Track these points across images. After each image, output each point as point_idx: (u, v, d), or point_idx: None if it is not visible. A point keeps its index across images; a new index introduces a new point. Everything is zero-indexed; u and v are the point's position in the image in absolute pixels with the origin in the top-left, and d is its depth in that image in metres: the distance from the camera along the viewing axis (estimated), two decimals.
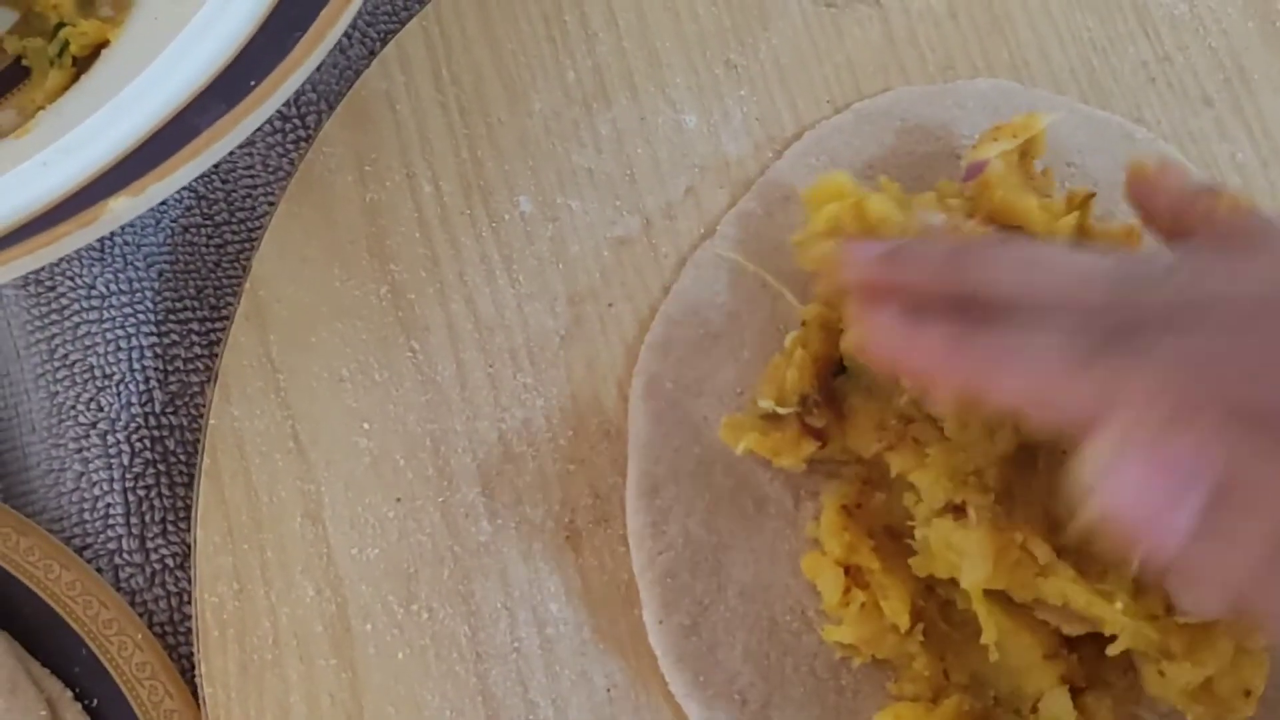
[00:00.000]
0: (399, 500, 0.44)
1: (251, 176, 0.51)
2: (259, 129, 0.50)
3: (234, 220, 0.51)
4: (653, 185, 0.48)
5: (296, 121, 0.51)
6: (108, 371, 0.47)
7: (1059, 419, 0.35)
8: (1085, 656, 0.40)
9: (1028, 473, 0.40)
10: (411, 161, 0.47)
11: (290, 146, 0.51)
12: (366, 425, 0.44)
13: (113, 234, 0.49)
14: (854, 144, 0.49)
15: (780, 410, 0.43)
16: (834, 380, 0.44)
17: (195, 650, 0.42)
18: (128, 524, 0.46)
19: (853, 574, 0.41)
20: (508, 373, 0.45)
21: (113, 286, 0.48)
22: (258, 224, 0.50)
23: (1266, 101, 0.50)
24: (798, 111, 0.49)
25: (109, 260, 0.49)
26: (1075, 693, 0.40)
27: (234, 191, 0.51)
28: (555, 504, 0.44)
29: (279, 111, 0.51)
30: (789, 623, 0.43)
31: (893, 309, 0.37)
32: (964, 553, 0.38)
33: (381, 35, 0.51)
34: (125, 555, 0.46)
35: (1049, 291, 0.35)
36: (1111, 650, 0.38)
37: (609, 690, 0.43)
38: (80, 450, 0.46)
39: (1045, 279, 0.36)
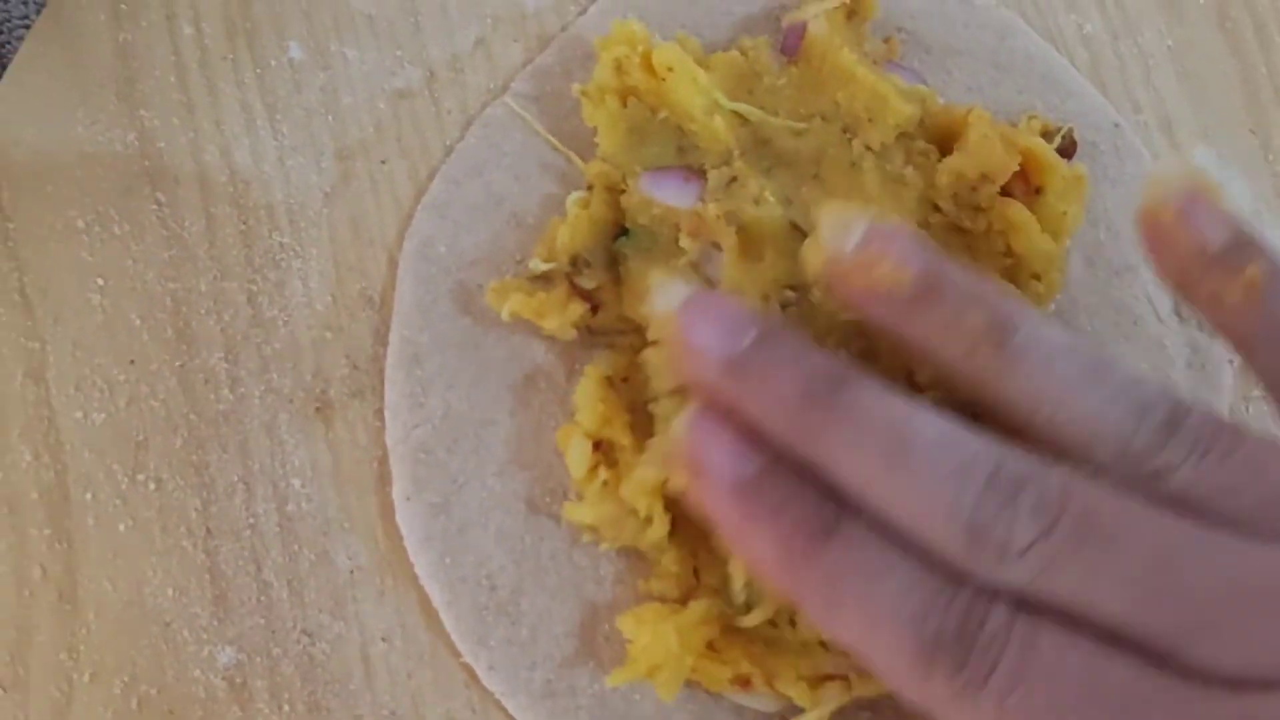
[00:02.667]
0: (132, 363, 0.40)
1: (25, 21, 0.47)
2: None
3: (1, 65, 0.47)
4: (439, 35, 0.44)
5: None
6: None
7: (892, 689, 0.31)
8: None
9: None
10: (172, 1, 0.43)
11: None
12: (101, 281, 0.41)
13: None
14: (664, 2, 0.45)
15: (547, 268, 0.39)
16: (615, 243, 0.40)
17: None
18: None
19: (604, 449, 0.38)
20: (263, 231, 0.42)
21: None
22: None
23: None
24: None
25: None
26: None
27: (6, 40, 0.47)
28: (307, 374, 0.41)
29: None
30: (549, 505, 0.39)
31: (730, 454, 0.32)
32: None
33: None
34: None
35: (906, 507, 0.30)
36: None
37: (352, 572, 0.39)
38: None
39: (905, 486, 0.30)
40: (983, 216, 0.40)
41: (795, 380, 0.32)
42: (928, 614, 0.29)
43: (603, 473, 0.37)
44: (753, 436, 0.32)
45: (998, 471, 0.30)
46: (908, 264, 0.32)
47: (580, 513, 0.38)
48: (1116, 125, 0.44)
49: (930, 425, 0.31)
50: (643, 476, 0.36)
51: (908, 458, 0.30)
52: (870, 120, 0.41)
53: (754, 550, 0.32)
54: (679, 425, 0.32)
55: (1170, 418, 0.31)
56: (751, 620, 0.36)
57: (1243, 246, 0.33)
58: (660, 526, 0.37)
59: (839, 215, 0.33)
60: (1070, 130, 0.42)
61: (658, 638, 0.35)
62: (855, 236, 0.33)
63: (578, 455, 0.37)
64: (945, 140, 0.41)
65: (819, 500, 0.31)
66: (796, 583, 0.31)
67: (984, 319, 0.32)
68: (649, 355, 0.37)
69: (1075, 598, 0.29)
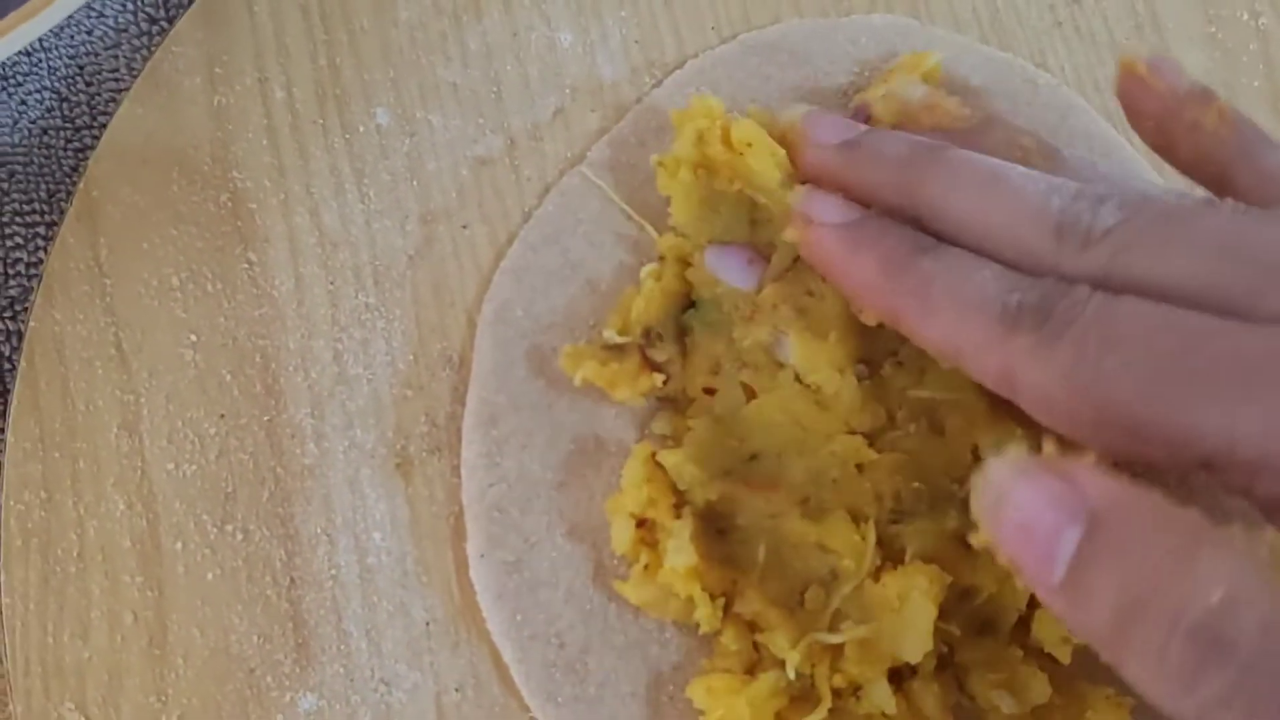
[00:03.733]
0: (222, 417, 0.42)
1: (116, 80, 0.49)
2: (125, 31, 0.48)
3: (95, 125, 0.48)
4: (520, 104, 0.45)
5: (165, 24, 0.49)
6: None
7: (974, 374, 0.34)
8: None
9: None
10: (265, 66, 0.45)
11: (157, 50, 0.48)
12: (194, 337, 0.42)
13: None
14: (737, 76, 0.46)
15: (620, 340, 0.41)
16: (683, 315, 0.42)
17: None
18: None
19: (647, 527, 0.39)
20: (349, 291, 0.43)
21: None
22: None
23: (1179, 51, 0.48)
24: (680, 37, 0.47)
25: None
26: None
27: (97, 95, 0.49)
28: (388, 430, 0.42)
29: (146, 13, 0.49)
30: (615, 568, 0.41)
31: (838, 206, 0.37)
32: None
33: None
34: None
35: (999, 221, 0.35)
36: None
37: (428, 624, 0.41)
38: None
39: (999, 204, 0.35)
40: None
41: (902, 146, 0.38)
42: (1013, 290, 0.33)
43: (644, 556, 0.39)
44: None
45: (1082, 191, 0.34)
46: (966, 105, 0.40)
47: (629, 591, 0.39)
48: None
49: (1017, 167, 0.36)
50: (675, 563, 0.38)
51: (1002, 185, 0.35)
52: None
53: (856, 273, 0.36)
54: (794, 196, 0.39)
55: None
56: (815, 717, 0.37)
57: (1207, 89, 0.37)
58: (705, 606, 0.38)
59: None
60: None
61: (731, 711, 0.37)
62: (921, 91, 0.41)
63: (621, 533, 0.39)
64: None
65: (917, 232, 0.36)
66: (894, 293, 0.35)
67: (1034, 141, 0.38)
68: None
69: (1151, 272, 0.32)
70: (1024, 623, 0.40)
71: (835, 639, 0.37)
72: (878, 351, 0.40)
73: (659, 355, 0.41)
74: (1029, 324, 0.32)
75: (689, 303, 0.42)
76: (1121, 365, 0.30)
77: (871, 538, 0.38)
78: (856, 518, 0.39)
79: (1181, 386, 0.30)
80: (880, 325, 0.39)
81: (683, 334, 0.42)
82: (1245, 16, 0.48)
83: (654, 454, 0.39)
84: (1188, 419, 0.30)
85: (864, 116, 0.44)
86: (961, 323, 0.34)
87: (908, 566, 0.38)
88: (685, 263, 0.42)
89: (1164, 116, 0.37)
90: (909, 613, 0.37)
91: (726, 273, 0.41)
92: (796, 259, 0.41)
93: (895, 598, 0.37)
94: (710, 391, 0.40)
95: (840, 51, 0.47)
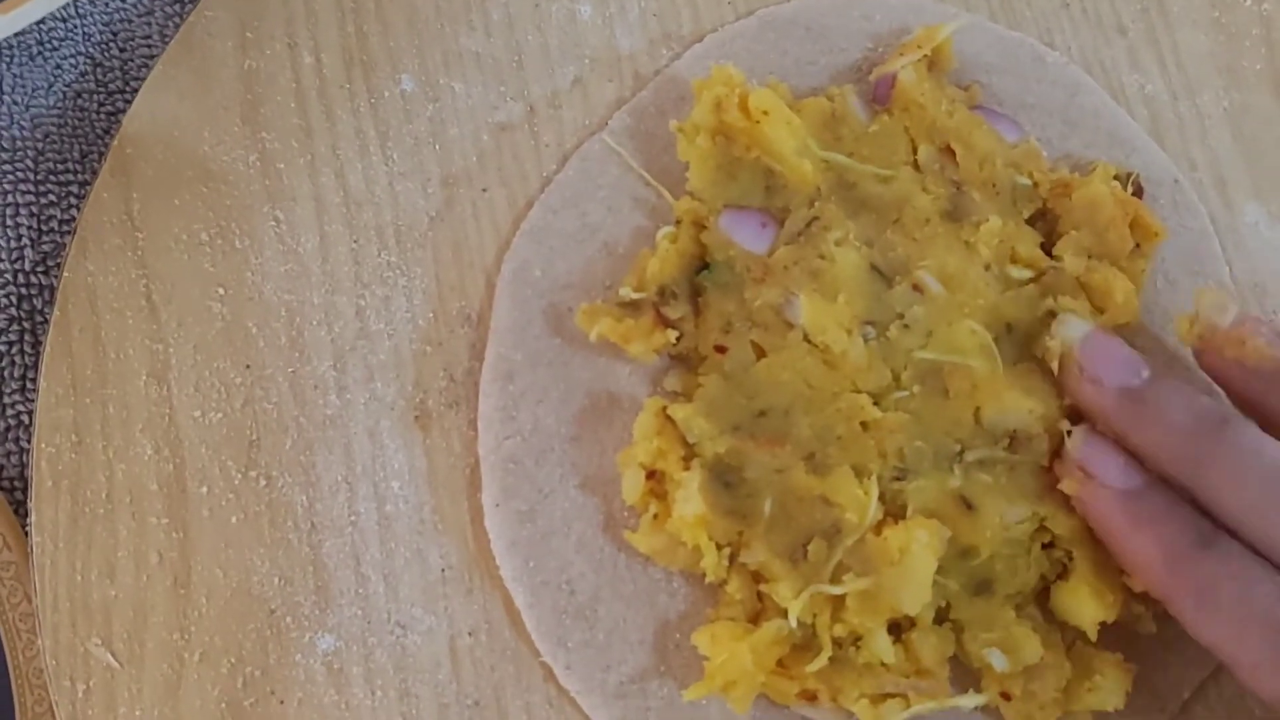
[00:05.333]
0: (248, 367, 0.43)
1: (149, 46, 0.50)
2: None
3: (128, 89, 0.50)
4: (540, 73, 0.47)
5: None
6: None
7: (1249, 688, 0.34)
8: None
9: None
10: (295, 31, 0.46)
11: (189, 16, 0.50)
12: (222, 290, 0.44)
13: (2, 93, 0.49)
14: (755, 49, 0.48)
15: (635, 296, 0.42)
16: (697, 276, 0.43)
17: (28, 501, 0.42)
18: None
19: (657, 478, 0.40)
20: (372, 249, 0.45)
21: None
22: None
23: (1184, 34, 0.49)
24: (697, 10, 0.48)
25: None
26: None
27: (130, 60, 0.50)
28: (408, 384, 0.44)
29: None
30: (626, 519, 0.42)
31: (1120, 469, 0.37)
32: None
33: None
34: None
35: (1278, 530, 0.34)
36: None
37: (443, 570, 0.42)
38: None
39: None
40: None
41: (1186, 411, 0.36)
42: None
43: (653, 506, 0.40)
44: (1137, 461, 0.37)
45: None
46: (1276, 346, 0.37)
47: (638, 540, 0.40)
48: (1176, 181, 0.47)
49: None
50: (683, 512, 0.39)
51: None
52: (980, 166, 0.43)
53: (1136, 551, 0.36)
54: (1072, 440, 0.38)
55: None
56: (815, 665, 0.38)
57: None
58: (711, 555, 0.39)
59: (1215, 295, 0.39)
60: (1138, 176, 0.45)
61: (733, 657, 0.38)
62: (1230, 315, 0.38)
63: (631, 483, 0.40)
64: (1051, 195, 0.44)
65: (1197, 516, 0.36)
66: (1174, 583, 0.35)
67: (1190, 417, 0.36)
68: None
69: None
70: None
71: (837, 590, 0.38)
72: (885, 313, 0.41)
73: (673, 313, 0.42)
74: None
75: (703, 264, 0.43)
76: None
77: (874, 492, 0.39)
78: (860, 474, 0.40)
79: None
80: (888, 287, 0.40)
81: (696, 294, 0.43)
82: (1249, 2, 0.50)
83: (665, 408, 0.40)
84: None
85: (888, 86, 0.45)
86: (1241, 635, 0.34)
87: (909, 521, 0.39)
88: (701, 226, 0.43)
89: (1248, 388, 0.38)
90: (909, 565, 0.38)
91: (740, 236, 0.43)
92: (809, 224, 0.42)
93: (896, 550, 0.38)
94: (721, 350, 0.41)
95: (855, 27, 0.48)
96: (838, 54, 0.48)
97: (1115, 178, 0.45)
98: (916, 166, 0.44)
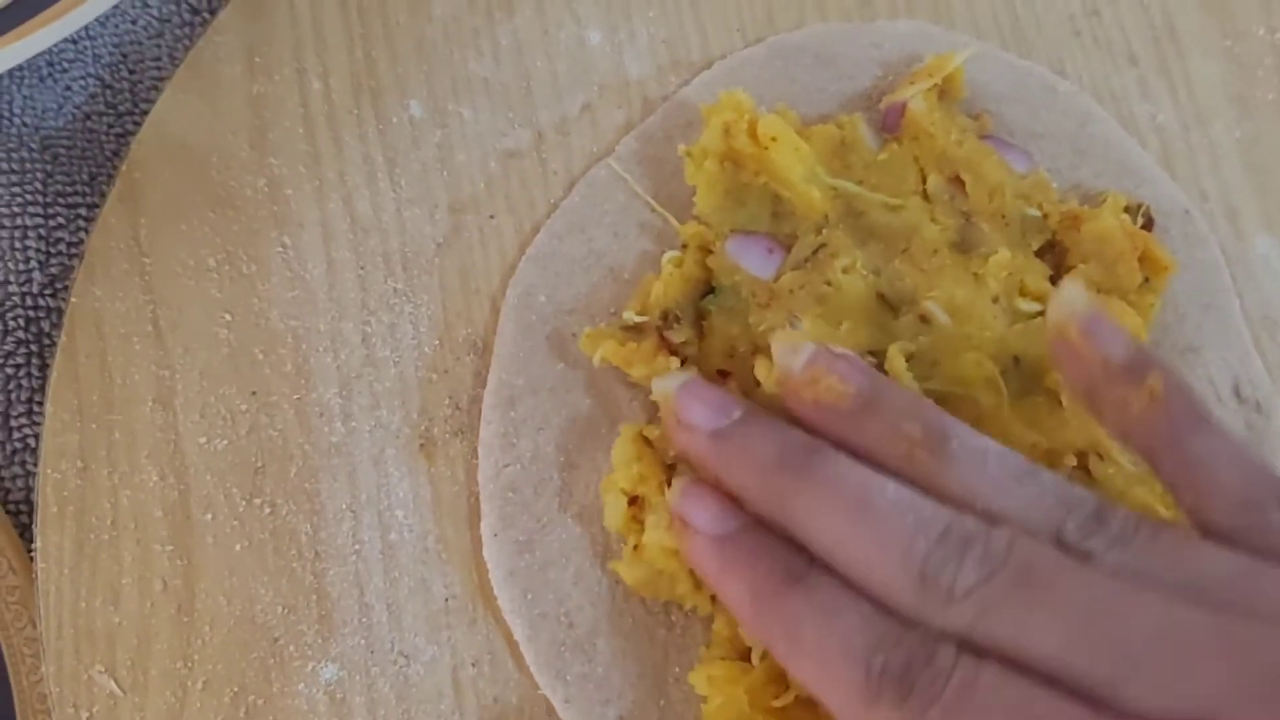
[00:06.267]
0: (254, 394, 0.43)
1: (159, 68, 0.50)
2: (168, 21, 0.50)
3: (137, 111, 0.50)
4: (548, 99, 0.47)
5: (206, 15, 0.51)
6: None
7: None
8: None
9: None
10: (303, 57, 0.46)
11: (199, 40, 0.50)
12: (228, 316, 0.44)
13: (11, 114, 0.49)
14: (765, 76, 0.48)
15: (638, 319, 0.42)
16: (702, 300, 0.43)
17: (34, 526, 0.42)
18: None
19: (639, 504, 0.40)
20: (379, 276, 0.45)
21: (3, 165, 0.48)
22: None
23: (1195, 64, 0.49)
24: (706, 38, 0.48)
25: (3, 139, 0.49)
26: None
27: (140, 82, 0.50)
28: (413, 411, 0.44)
29: (189, 4, 0.51)
30: (622, 550, 0.42)
31: (713, 514, 0.37)
32: None
33: None
34: None
35: (865, 556, 0.33)
36: None
37: (447, 600, 0.42)
38: None
39: (865, 537, 0.33)
40: None
41: (772, 447, 0.36)
42: (877, 649, 0.32)
43: (634, 535, 0.40)
44: (734, 504, 0.37)
45: (949, 530, 0.33)
46: (849, 381, 0.36)
47: (622, 570, 0.40)
48: (1186, 212, 0.47)
49: (890, 489, 0.34)
50: (653, 540, 0.39)
51: (869, 515, 0.33)
52: (990, 197, 0.43)
53: (730, 595, 0.36)
54: (671, 492, 0.38)
55: (1096, 512, 0.33)
56: (782, 701, 0.38)
57: (1143, 360, 0.35)
58: (684, 583, 0.39)
59: (788, 339, 0.38)
60: (1148, 207, 0.45)
61: (731, 700, 0.38)
62: (803, 358, 0.37)
63: (613, 510, 0.40)
64: (1061, 227, 0.44)
65: (790, 554, 0.35)
66: (764, 623, 0.35)
67: (920, 429, 0.35)
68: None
69: (1014, 641, 0.31)
70: None
71: None
72: (890, 343, 0.41)
73: (676, 337, 0.42)
74: (890, 696, 0.31)
75: (708, 288, 0.43)
76: None
77: None
78: None
79: None
80: (895, 317, 0.40)
81: (701, 318, 0.43)
82: (1262, 31, 0.49)
83: (641, 431, 0.40)
84: None
85: (898, 114, 0.44)
86: (826, 674, 0.33)
87: None
88: (707, 250, 0.43)
89: (1092, 387, 0.36)
90: None
91: (747, 260, 0.42)
92: (816, 250, 0.42)
93: None
94: (725, 374, 0.41)
95: (864, 55, 0.48)
96: (847, 81, 0.48)
97: (1126, 209, 0.44)
98: (925, 196, 0.44)
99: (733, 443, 0.37)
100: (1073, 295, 0.36)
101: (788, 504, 0.35)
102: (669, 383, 0.39)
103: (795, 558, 0.35)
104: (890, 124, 0.45)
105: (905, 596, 0.33)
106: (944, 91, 0.46)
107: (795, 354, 0.38)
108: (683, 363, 0.42)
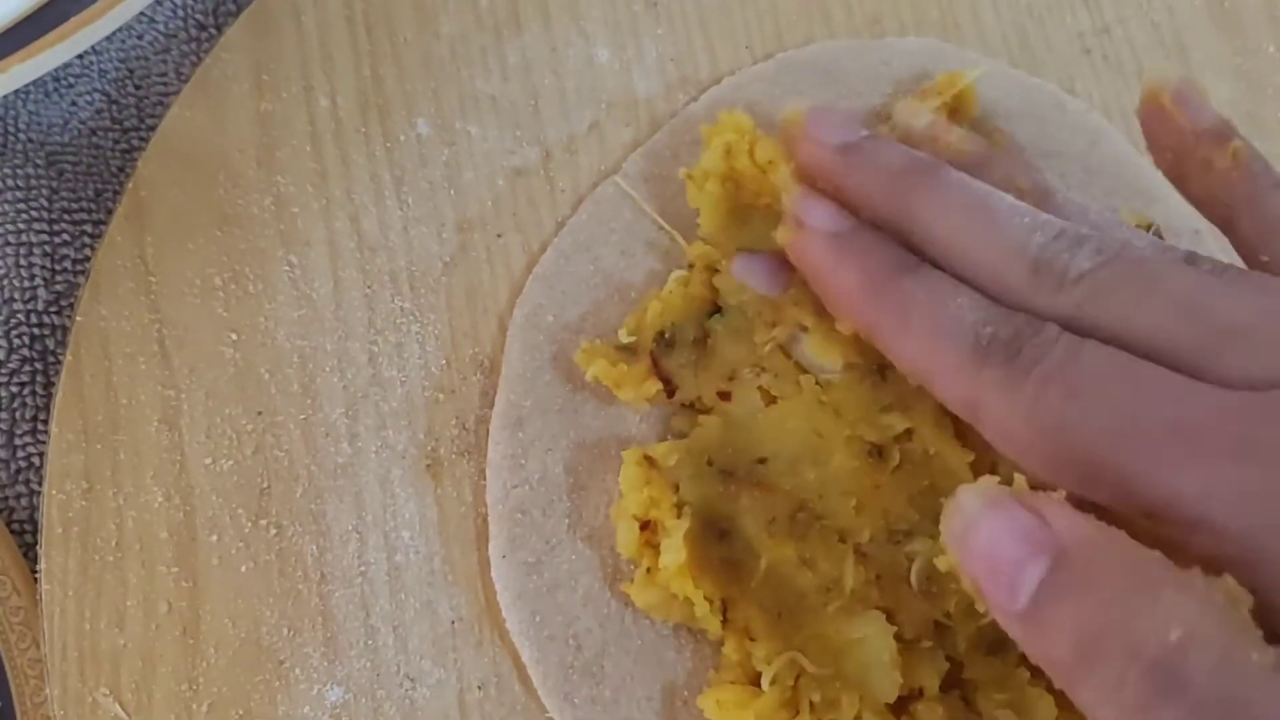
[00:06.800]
0: (259, 414, 0.43)
1: (164, 84, 0.50)
2: (175, 37, 0.50)
3: (143, 126, 0.50)
4: (556, 118, 0.47)
5: (213, 31, 0.50)
6: None
7: (941, 398, 0.35)
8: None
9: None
10: (311, 74, 0.46)
11: (205, 56, 0.50)
12: (234, 335, 0.44)
13: (16, 129, 0.49)
14: (774, 94, 0.47)
15: (627, 339, 0.42)
16: (709, 320, 0.42)
17: (38, 546, 0.42)
18: None
19: (651, 529, 0.40)
20: (386, 295, 0.44)
21: (9, 181, 0.48)
22: None
23: (1205, 82, 0.49)
24: (715, 55, 0.48)
25: (8, 155, 0.48)
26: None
27: (146, 98, 0.50)
28: (420, 432, 0.43)
29: (196, 20, 0.51)
30: (632, 572, 0.42)
31: (829, 214, 0.38)
32: None
33: None
34: None
35: (981, 250, 0.35)
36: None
37: (453, 622, 0.42)
38: None
39: (983, 233, 0.35)
40: None
41: (899, 157, 0.38)
42: (985, 322, 0.34)
43: (647, 559, 0.40)
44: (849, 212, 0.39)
45: (1064, 230, 0.35)
46: (967, 142, 0.40)
47: (634, 593, 0.40)
48: (1196, 231, 0.46)
49: (1007, 198, 0.36)
50: (666, 562, 0.39)
51: (989, 213, 0.36)
52: None
53: (841, 284, 0.37)
54: (788, 195, 0.40)
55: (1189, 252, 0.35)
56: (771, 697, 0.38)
57: (1227, 127, 0.38)
58: (701, 606, 0.39)
59: (914, 109, 0.43)
60: (1159, 227, 0.45)
61: None
62: (924, 119, 0.42)
63: (625, 536, 0.40)
64: None
65: (902, 250, 0.37)
66: (873, 307, 0.36)
67: (1029, 183, 0.38)
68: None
69: (1120, 322, 0.33)
70: None
71: (808, 666, 0.38)
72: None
73: (672, 360, 0.41)
74: (998, 358, 0.33)
75: (714, 308, 0.42)
76: (1078, 411, 0.31)
77: (850, 562, 0.39)
78: (850, 534, 0.39)
79: (1130, 440, 0.31)
80: None
81: (705, 338, 0.42)
82: (1272, 49, 0.49)
83: (646, 454, 0.40)
84: (1132, 471, 0.30)
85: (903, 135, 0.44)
86: (934, 348, 0.35)
87: (865, 613, 0.38)
88: (713, 270, 0.43)
89: (1180, 150, 0.38)
90: (864, 654, 0.38)
91: (753, 279, 0.42)
92: None
93: (847, 642, 0.38)
94: (725, 396, 0.41)
95: (874, 72, 0.48)
96: (856, 98, 0.48)
97: (1136, 227, 0.44)
98: None
99: (861, 154, 0.39)
100: (1164, 70, 0.39)
101: (910, 206, 0.37)
102: (797, 105, 0.41)
103: (907, 253, 0.37)
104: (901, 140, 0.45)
105: (1016, 280, 0.34)
106: (954, 109, 0.45)
107: (917, 116, 0.42)
108: (670, 392, 0.42)
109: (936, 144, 0.40)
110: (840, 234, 0.38)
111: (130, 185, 0.45)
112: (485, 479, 0.43)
